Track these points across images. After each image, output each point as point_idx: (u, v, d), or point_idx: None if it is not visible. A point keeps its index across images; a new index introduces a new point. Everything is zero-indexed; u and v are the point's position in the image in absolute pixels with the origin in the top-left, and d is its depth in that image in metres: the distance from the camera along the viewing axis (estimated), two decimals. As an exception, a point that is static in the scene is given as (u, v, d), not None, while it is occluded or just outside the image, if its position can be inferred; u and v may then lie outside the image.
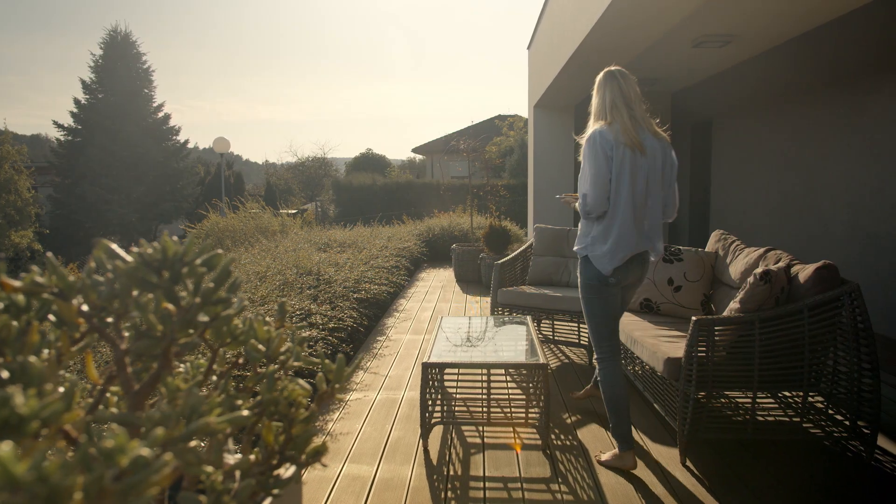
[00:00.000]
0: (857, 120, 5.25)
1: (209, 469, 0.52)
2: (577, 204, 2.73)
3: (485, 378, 3.03)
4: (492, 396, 3.54)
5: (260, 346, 0.74)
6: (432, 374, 3.17)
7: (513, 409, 3.30)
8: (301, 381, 0.73)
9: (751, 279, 2.76)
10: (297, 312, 3.83)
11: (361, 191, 20.51)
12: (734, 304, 2.82)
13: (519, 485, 2.59)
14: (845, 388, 2.77)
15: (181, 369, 0.85)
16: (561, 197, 3.10)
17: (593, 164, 2.55)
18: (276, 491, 0.60)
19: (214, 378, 0.81)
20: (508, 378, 3.84)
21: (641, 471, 2.70)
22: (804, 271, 2.85)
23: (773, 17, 5.57)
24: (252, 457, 0.70)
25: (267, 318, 0.90)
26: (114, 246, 0.60)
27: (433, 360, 2.94)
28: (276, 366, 0.70)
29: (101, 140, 24.33)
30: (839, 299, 2.71)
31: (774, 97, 6.80)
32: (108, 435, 0.42)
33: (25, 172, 20.32)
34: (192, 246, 0.58)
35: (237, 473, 0.66)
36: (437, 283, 7.93)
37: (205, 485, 0.52)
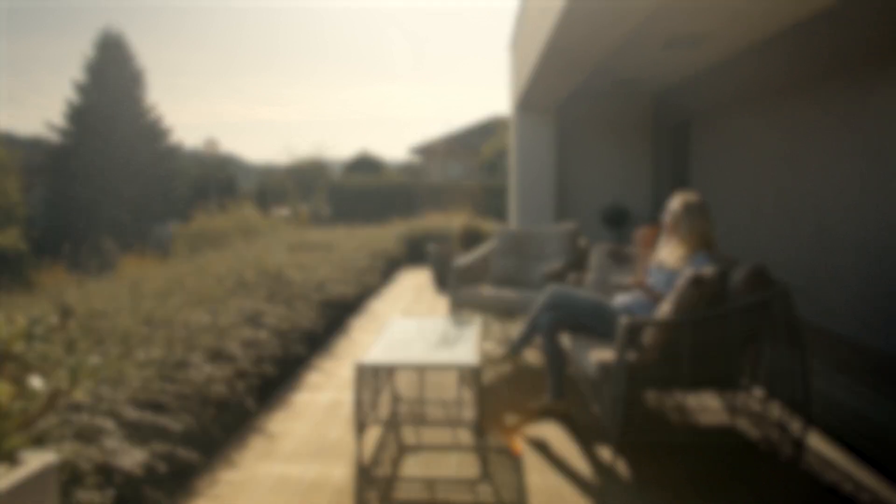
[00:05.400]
0: (836, 120, 5.23)
1: None
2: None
3: (428, 378, 3.04)
4: (434, 397, 3.55)
5: None
6: (374, 374, 3.17)
7: (455, 410, 3.30)
8: (35, 380, 0.73)
9: (682, 281, 2.76)
10: (247, 313, 3.83)
11: (355, 192, 20.52)
12: (666, 306, 2.82)
13: (445, 485, 2.59)
14: (779, 390, 2.76)
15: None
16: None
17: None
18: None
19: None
20: (462, 379, 3.83)
21: (569, 473, 2.69)
22: (737, 273, 2.84)
23: (739, 18, 5.58)
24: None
25: (52, 317, 0.90)
26: None
27: (368, 360, 2.94)
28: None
29: (93, 141, 24.36)
30: (770, 301, 2.71)
31: (752, 97, 6.80)
32: None
33: (14, 174, 20.27)
34: None
35: None
36: (413, 284, 7.92)
37: None
